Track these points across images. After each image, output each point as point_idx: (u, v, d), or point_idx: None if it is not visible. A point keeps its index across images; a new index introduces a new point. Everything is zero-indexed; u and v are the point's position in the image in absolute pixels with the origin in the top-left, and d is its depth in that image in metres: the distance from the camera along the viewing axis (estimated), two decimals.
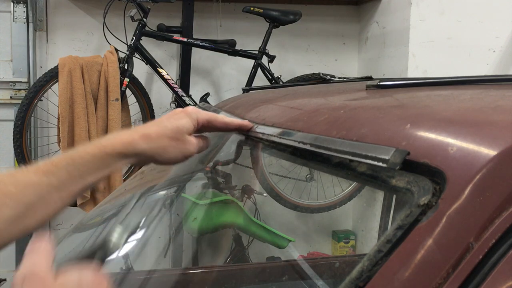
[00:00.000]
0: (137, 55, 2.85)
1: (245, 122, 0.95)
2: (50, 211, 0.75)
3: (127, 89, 2.82)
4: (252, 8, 2.88)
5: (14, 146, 2.71)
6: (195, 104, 2.92)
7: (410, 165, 0.64)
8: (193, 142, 0.85)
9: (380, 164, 0.64)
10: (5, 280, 2.64)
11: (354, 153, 0.69)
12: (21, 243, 3.02)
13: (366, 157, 0.67)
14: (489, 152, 0.60)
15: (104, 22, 2.82)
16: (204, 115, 0.88)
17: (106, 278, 0.57)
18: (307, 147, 0.79)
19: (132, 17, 2.77)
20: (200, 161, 1.59)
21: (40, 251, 0.58)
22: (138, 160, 0.83)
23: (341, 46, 3.42)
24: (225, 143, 1.43)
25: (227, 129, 0.93)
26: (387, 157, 0.63)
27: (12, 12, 3.01)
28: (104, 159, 0.80)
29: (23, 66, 3.05)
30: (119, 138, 0.83)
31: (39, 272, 0.56)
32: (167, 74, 2.89)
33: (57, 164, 0.77)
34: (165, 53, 3.20)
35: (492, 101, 0.87)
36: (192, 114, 0.86)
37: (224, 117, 0.92)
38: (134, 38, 2.80)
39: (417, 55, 2.75)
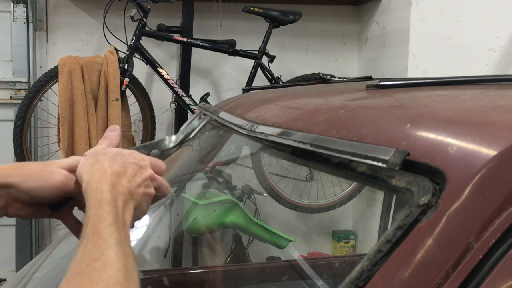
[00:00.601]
0: (137, 55, 2.85)
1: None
2: None
3: (127, 89, 2.82)
4: (252, 8, 2.88)
5: (14, 146, 2.71)
6: (195, 104, 2.92)
7: (410, 165, 0.64)
8: (61, 173, 0.76)
9: (380, 164, 0.64)
10: (5, 280, 2.64)
11: (354, 153, 0.69)
12: (21, 243, 3.03)
13: (366, 157, 0.67)
14: (489, 152, 0.60)
15: (104, 22, 2.82)
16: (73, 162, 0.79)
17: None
18: (307, 147, 0.79)
19: (132, 17, 2.77)
20: (200, 161, 1.59)
21: (107, 137, 0.82)
22: (4, 192, 0.76)
23: (341, 46, 3.42)
24: (225, 143, 1.43)
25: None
26: (387, 158, 0.63)
27: (12, 12, 3.01)
28: None
29: (23, 66, 3.05)
30: None
31: (97, 149, 0.78)
32: (167, 74, 2.89)
33: None
34: (165, 53, 3.20)
35: (492, 101, 0.86)
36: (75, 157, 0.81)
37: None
38: (134, 38, 2.80)
39: (417, 55, 2.75)
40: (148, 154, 0.88)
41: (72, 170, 0.78)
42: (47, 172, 0.77)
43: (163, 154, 0.93)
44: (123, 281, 0.57)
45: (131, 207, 0.71)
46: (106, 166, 0.72)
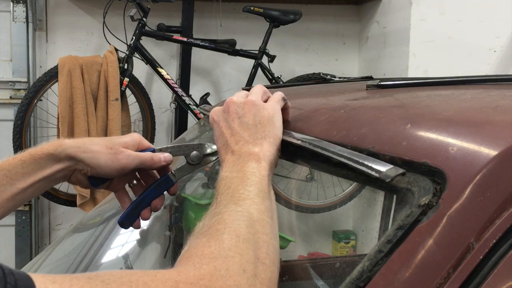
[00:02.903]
0: (137, 55, 2.84)
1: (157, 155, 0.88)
2: None
3: (127, 89, 2.82)
4: (252, 8, 2.88)
5: (13, 146, 2.71)
6: (195, 104, 2.92)
7: (410, 165, 0.64)
8: (129, 154, 0.83)
9: (373, 173, 0.64)
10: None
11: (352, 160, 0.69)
12: (21, 243, 3.03)
13: (362, 164, 0.67)
14: (490, 152, 0.60)
15: (104, 22, 2.82)
16: (146, 144, 0.88)
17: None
18: (306, 145, 0.79)
19: (132, 17, 2.77)
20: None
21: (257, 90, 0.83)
22: (71, 164, 0.82)
23: (342, 46, 3.42)
24: None
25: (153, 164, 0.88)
26: (382, 170, 0.64)
27: (11, 11, 3.01)
28: (32, 163, 0.81)
29: (22, 66, 3.05)
30: (52, 141, 0.83)
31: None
32: (167, 74, 2.89)
33: None
34: (165, 53, 3.20)
35: (492, 101, 0.86)
36: (138, 137, 0.87)
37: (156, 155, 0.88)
38: (134, 37, 2.80)
39: (418, 55, 2.75)
40: (189, 155, 0.90)
41: (134, 148, 0.85)
42: (117, 154, 0.82)
43: (203, 159, 0.91)
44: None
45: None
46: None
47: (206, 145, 0.91)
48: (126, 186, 0.91)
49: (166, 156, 0.87)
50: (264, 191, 0.70)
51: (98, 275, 0.51)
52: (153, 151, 0.88)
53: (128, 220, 0.89)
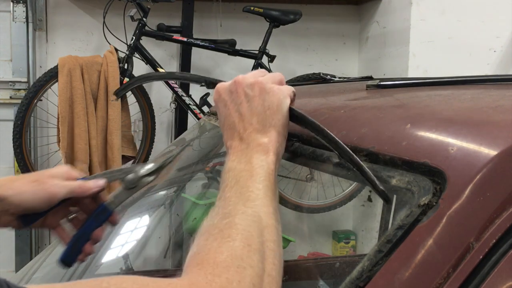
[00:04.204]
0: (137, 55, 2.84)
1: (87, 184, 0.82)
2: None
3: None
4: (252, 8, 2.88)
5: (13, 146, 2.71)
6: (195, 104, 2.92)
7: (410, 165, 0.64)
8: (56, 183, 0.77)
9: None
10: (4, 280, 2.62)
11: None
12: (21, 243, 3.02)
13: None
14: (490, 152, 0.60)
15: (104, 22, 2.81)
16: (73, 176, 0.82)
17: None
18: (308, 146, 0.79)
19: (132, 17, 2.77)
20: (200, 161, 1.59)
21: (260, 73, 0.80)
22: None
23: (342, 46, 3.42)
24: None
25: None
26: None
27: (11, 11, 3.01)
28: None
29: (22, 66, 3.05)
30: None
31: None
32: None
33: None
34: (165, 53, 3.20)
35: (492, 101, 0.86)
36: (66, 168, 0.82)
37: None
38: (134, 37, 2.80)
39: (418, 55, 2.74)
40: (124, 179, 0.84)
41: (63, 179, 0.79)
42: (41, 183, 0.77)
43: (140, 181, 0.84)
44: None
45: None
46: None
47: (141, 167, 0.85)
48: (65, 220, 0.85)
49: (96, 182, 0.81)
50: (271, 189, 0.70)
51: (105, 281, 0.50)
52: (85, 179, 0.82)
53: (70, 257, 0.82)
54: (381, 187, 0.65)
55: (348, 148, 0.70)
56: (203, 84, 0.85)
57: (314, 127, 0.74)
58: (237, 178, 0.69)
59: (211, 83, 0.82)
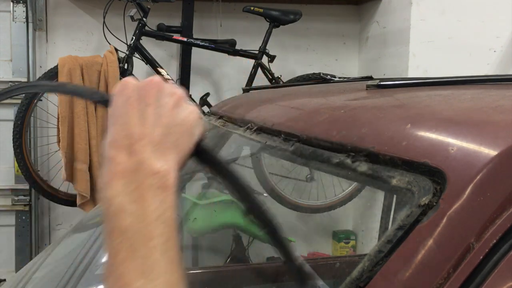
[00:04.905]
0: (137, 55, 2.84)
1: None
2: None
3: None
4: (252, 8, 2.87)
5: (13, 146, 2.71)
6: (195, 104, 2.92)
7: (410, 165, 0.64)
8: None
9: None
10: (4, 280, 2.63)
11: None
12: (21, 243, 3.02)
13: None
14: (490, 152, 0.60)
15: (104, 22, 2.81)
16: None
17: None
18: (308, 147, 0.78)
19: (132, 17, 2.77)
20: None
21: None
22: None
23: (342, 46, 3.42)
24: (225, 143, 1.43)
25: None
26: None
27: (11, 11, 3.01)
28: None
29: (22, 66, 3.05)
30: None
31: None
32: (167, 74, 2.88)
33: None
34: (165, 53, 3.20)
35: (492, 101, 0.86)
36: None
37: None
38: (134, 37, 2.80)
39: (418, 55, 2.74)
40: None
41: None
42: None
43: None
44: None
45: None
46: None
47: None
48: None
49: None
50: (172, 243, 0.54)
51: None
52: None
53: None
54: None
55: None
56: (98, 100, 0.67)
57: (222, 172, 0.63)
58: (124, 226, 0.53)
59: (106, 100, 0.63)
